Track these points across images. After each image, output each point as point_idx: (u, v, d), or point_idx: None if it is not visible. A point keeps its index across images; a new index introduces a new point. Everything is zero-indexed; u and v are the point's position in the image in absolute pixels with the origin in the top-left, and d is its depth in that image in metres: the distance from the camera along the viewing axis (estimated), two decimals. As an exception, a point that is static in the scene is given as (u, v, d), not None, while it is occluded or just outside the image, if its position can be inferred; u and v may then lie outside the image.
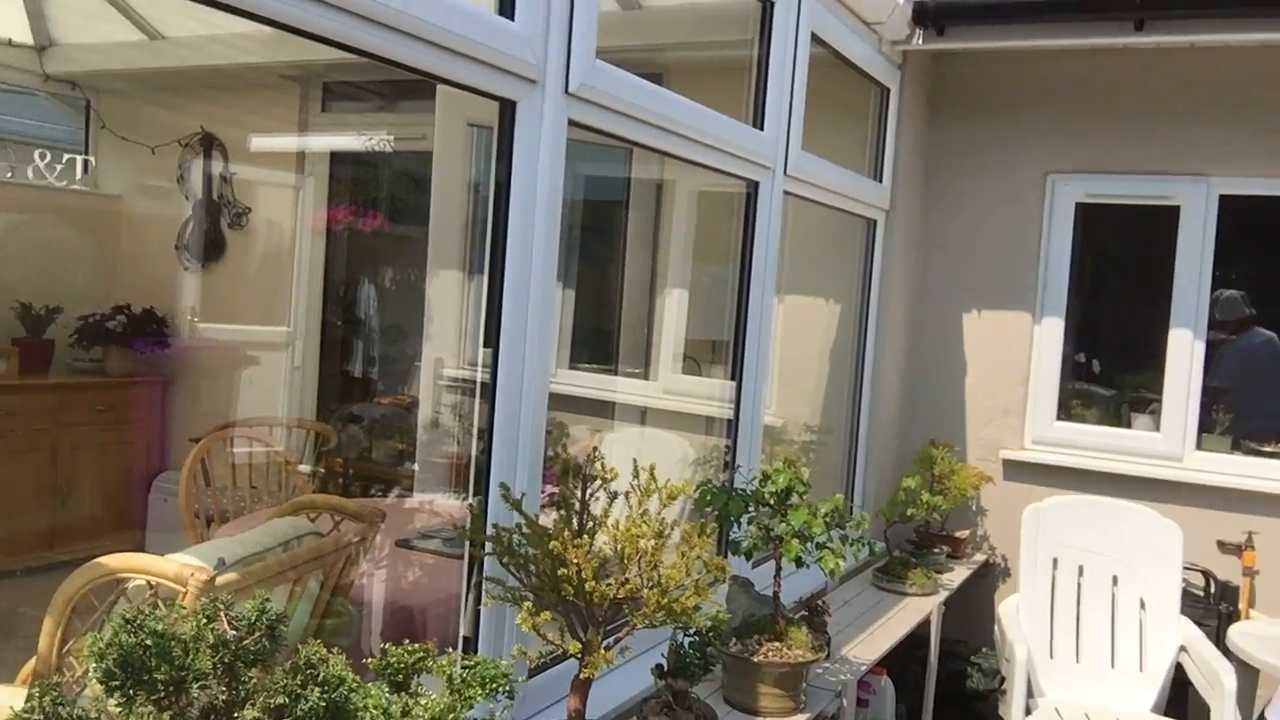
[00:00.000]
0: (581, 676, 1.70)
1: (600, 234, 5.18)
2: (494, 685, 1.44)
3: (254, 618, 1.12)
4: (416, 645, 1.51)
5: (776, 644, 2.42)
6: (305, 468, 4.97)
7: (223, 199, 5.61)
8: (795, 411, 4.26)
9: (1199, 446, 3.98)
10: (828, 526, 2.40)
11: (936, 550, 3.86)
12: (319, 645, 1.11)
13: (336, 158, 5.53)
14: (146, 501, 5.31)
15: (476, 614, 1.99)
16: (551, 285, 2.07)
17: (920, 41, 3.80)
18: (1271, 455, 3.98)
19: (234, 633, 1.10)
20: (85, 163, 5.71)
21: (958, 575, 3.82)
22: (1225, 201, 3.87)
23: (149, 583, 1.81)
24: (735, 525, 2.46)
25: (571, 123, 2.07)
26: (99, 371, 5.39)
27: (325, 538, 2.24)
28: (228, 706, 1.09)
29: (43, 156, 5.48)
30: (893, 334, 4.12)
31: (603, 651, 1.66)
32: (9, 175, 5.32)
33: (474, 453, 2.07)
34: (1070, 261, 4.12)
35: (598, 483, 1.80)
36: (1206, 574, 3.87)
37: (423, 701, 1.38)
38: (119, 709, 1.06)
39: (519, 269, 2.00)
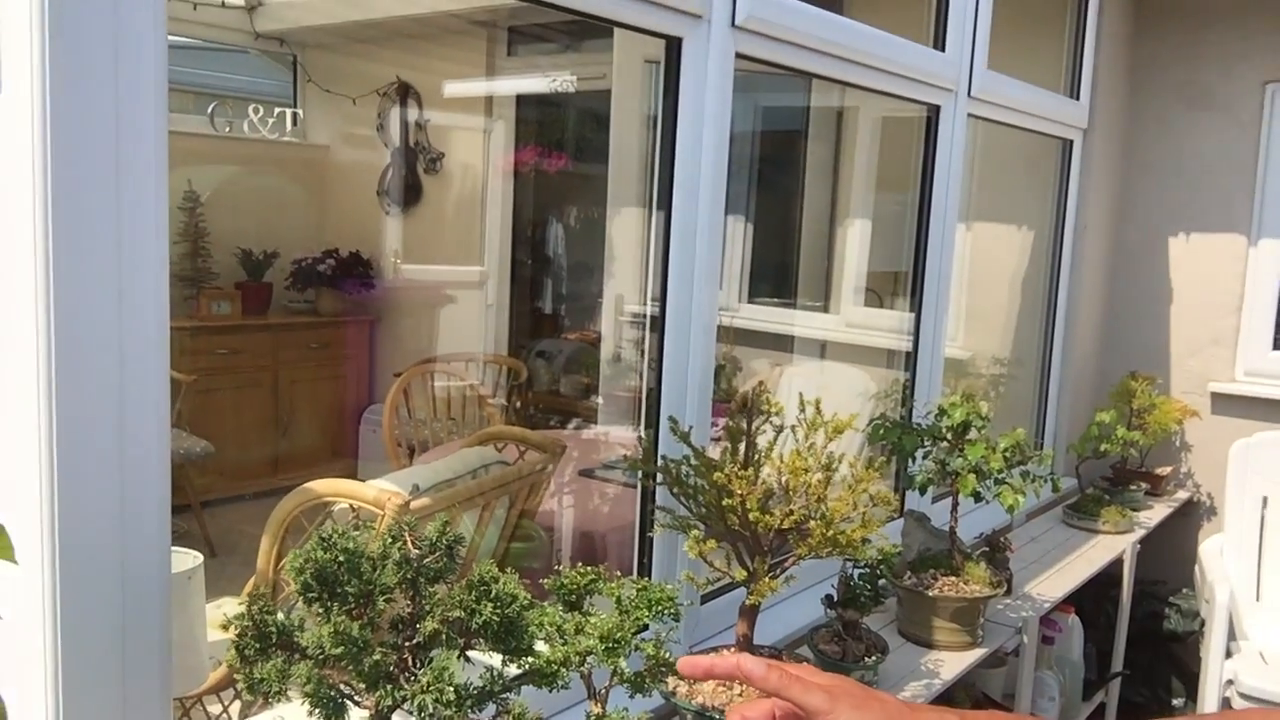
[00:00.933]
0: (748, 603, 1.75)
1: (780, 165, 5.12)
2: (660, 608, 1.51)
3: (435, 538, 1.22)
4: (589, 568, 1.60)
5: (953, 578, 2.40)
6: (499, 401, 5.23)
7: (418, 145, 5.87)
8: (983, 343, 4.13)
9: None
10: (1007, 462, 2.35)
11: (1134, 487, 3.69)
12: (492, 565, 1.20)
13: (523, 100, 5.68)
14: (358, 432, 5.72)
15: (649, 541, 2.07)
16: (719, 222, 2.09)
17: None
18: None
19: (417, 552, 1.20)
20: (294, 115, 6.09)
21: (1156, 513, 3.65)
22: None
23: (351, 506, 1.98)
24: (911, 460, 2.44)
25: (739, 56, 2.06)
26: (312, 312, 5.80)
27: (511, 467, 2.37)
28: (412, 618, 1.20)
29: (256, 111, 5.88)
30: (1090, 260, 3.92)
31: (768, 580, 1.70)
32: (227, 129, 5.75)
33: (643, 384, 2.13)
34: (1292, 179, 3.79)
35: (763, 416, 1.82)
36: None
37: (593, 620, 1.46)
38: (319, 618, 1.18)
39: (686, 205, 2.02)
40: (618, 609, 1.51)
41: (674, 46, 1.99)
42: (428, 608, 1.19)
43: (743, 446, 1.83)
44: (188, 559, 1.75)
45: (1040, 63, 3.75)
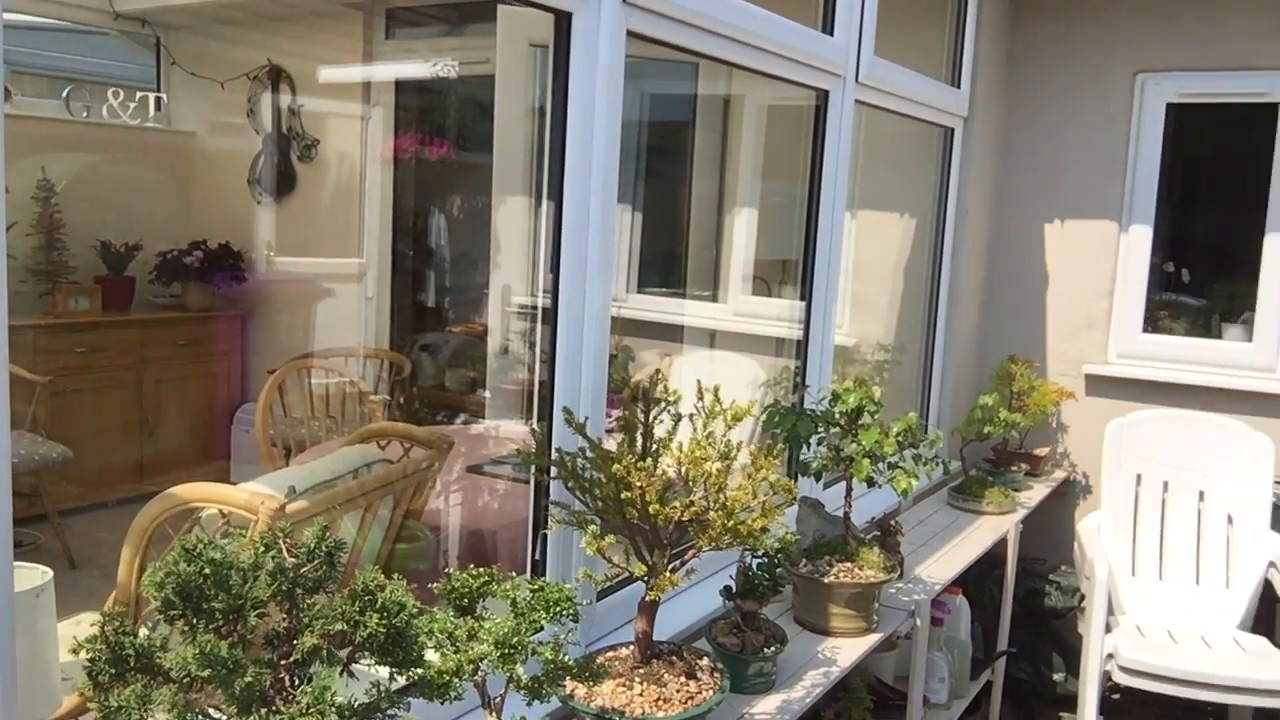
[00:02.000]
0: (648, 599, 1.69)
1: (667, 154, 5.09)
2: (559, 609, 1.43)
3: (313, 545, 1.12)
4: (481, 570, 1.51)
5: (848, 564, 2.39)
6: (381, 397, 5.06)
7: (291, 132, 5.64)
8: (869, 330, 4.17)
9: (1295, 357, 3.81)
10: (900, 446, 2.35)
11: (1015, 468, 3.78)
12: (377, 572, 1.11)
13: (402, 86, 5.50)
14: (230, 433, 5.46)
15: (544, 538, 1.99)
16: (612, 207, 2.02)
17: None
18: (1374, 365, 3.80)
19: (293, 560, 1.10)
20: (158, 100, 5.78)
21: (1036, 493, 3.74)
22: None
23: (221, 512, 1.85)
24: (805, 446, 2.42)
25: (630, 34, 2.00)
26: (179, 307, 5.52)
27: (395, 465, 2.26)
28: (289, 633, 1.10)
29: (116, 95, 5.55)
30: (971, 247, 3.99)
31: (668, 574, 1.64)
32: (85, 115, 5.41)
33: (535, 376, 2.06)
34: (1160, 167, 3.93)
35: (661, 405, 1.77)
36: (1300, 489, 3.73)
37: (487, 625, 1.38)
38: (185, 636, 1.07)
39: (578, 190, 1.95)
40: (513, 612, 1.43)
41: (563, 23, 1.92)
42: (306, 621, 1.09)
43: (640, 437, 1.77)
44: (35, 575, 1.60)
45: (922, 51, 3.79)
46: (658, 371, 1.84)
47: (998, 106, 4.08)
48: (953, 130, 3.81)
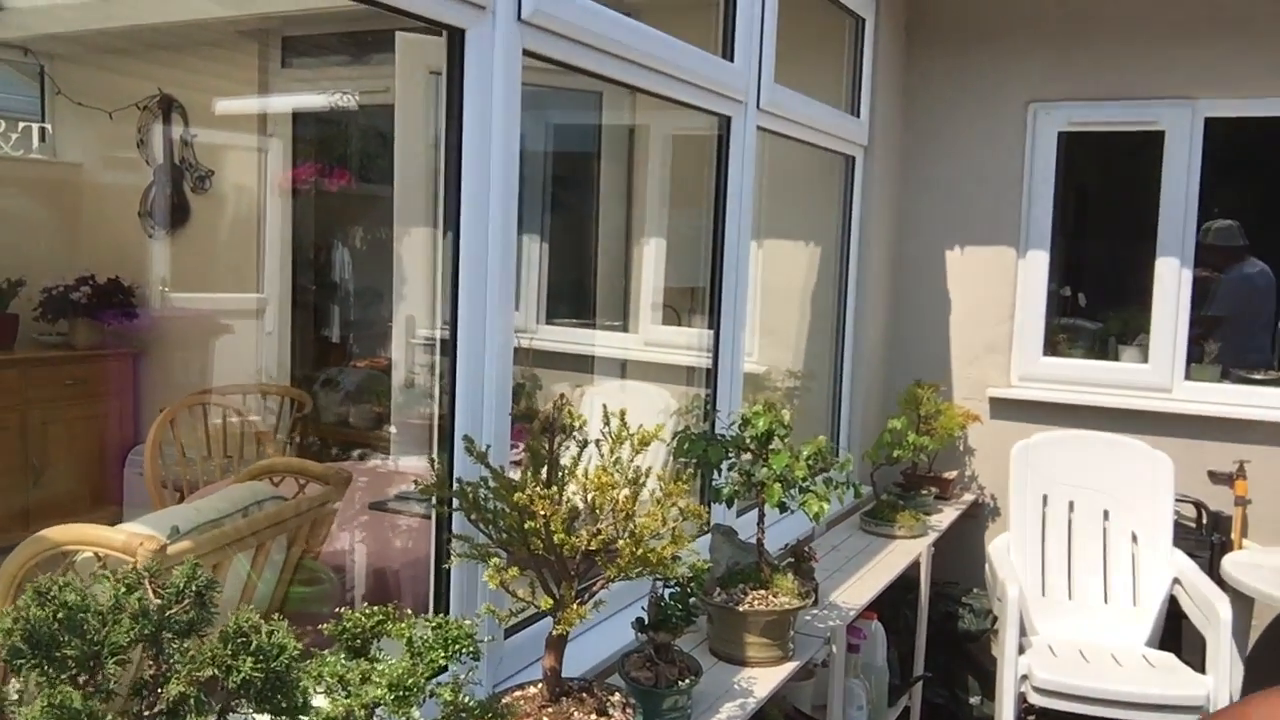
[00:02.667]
0: (555, 633, 1.62)
1: (574, 185, 5.06)
2: (458, 647, 1.36)
3: (181, 584, 1.03)
4: (375, 608, 1.43)
5: (762, 592, 2.35)
6: (283, 435, 4.89)
7: (184, 163, 5.46)
8: (778, 357, 4.17)
9: (1188, 377, 3.92)
10: (811, 470, 2.33)
11: (924, 492, 3.80)
12: (253, 613, 1.02)
13: (300, 116, 5.38)
14: (122, 476, 5.21)
15: (446, 574, 1.91)
16: (512, 234, 1.97)
17: (894, -31, 3.67)
18: (1261, 383, 3.93)
19: (158, 601, 1.01)
20: (42, 130, 5.54)
21: (946, 516, 3.77)
22: (1212, 126, 3.78)
23: (97, 555, 1.72)
24: (716, 472, 2.38)
25: (527, 53, 1.95)
26: (66, 345, 5.27)
27: (288, 502, 2.15)
28: (155, 681, 1.01)
29: (-3, 126, 5.32)
30: (874, 273, 4.03)
31: (576, 607, 1.58)
32: (-38, 146, 5.17)
33: (437, 410, 1.98)
34: (1054, 194, 4.03)
35: (566, 432, 1.71)
36: (1198, 505, 3.83)
37: (380, 667, 1.30)
38: (38, 689, 0.97)
39: (476, 216, 1.89)
40: (409, 652, 1.35)
41: (456, 42, 1.86)
42: (174, 667, 1.00)
43: (545, 464, 1.71)
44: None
45: (821, 83, 3.83)
46: (562, 396, 1.78)
47: (897, 135, 4.15)
48: (854, 159, 3.86)
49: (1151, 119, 3.83)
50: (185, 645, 0.98)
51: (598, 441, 1.73)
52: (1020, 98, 4.02)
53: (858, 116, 3.80)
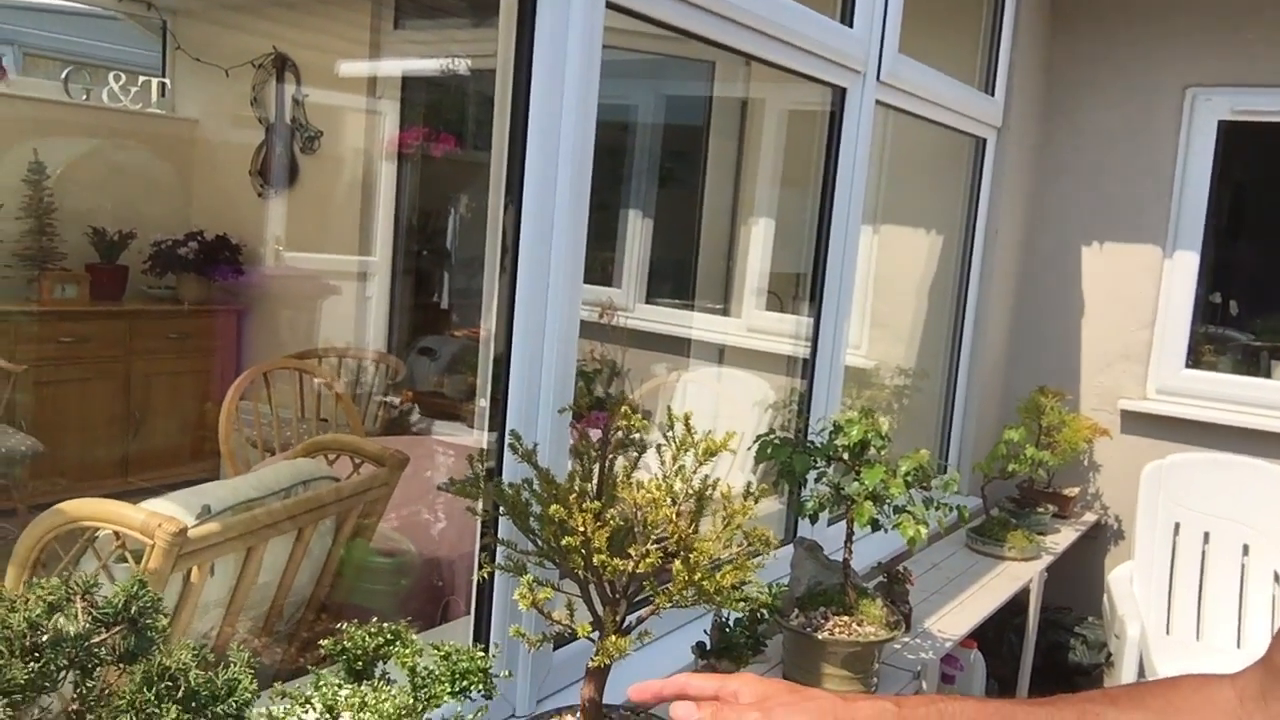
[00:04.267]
0: (593, 664, 1.43)
1: (681, 159, 4.84)
2: (465, 682, 1.17)
3: (119, 604, 0.87)
4: (384, 625, 1.26)
5: (845, 618, 2.11)
6: (378, 398, 4.83)
7: (295, 123, 5.43)
8: (888, 352, 3.89)
9: (1352, 401, 3.49)
10: (908, 487, 2.07)
11: (1041, 509, 3.48)
12: (186, 649, 0.85)
13: (410, 79, 5.29)
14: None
15: (492, 579, 1.73)
16: (583, 208, 1.77)
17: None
18: None
19: (82, 626, 0.85)
20: (161, 85, 5.59)
21: (1064, 538, 3.44)
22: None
23: (116, 533, 1.60)
24: (802, 484, 2.15)
25: (610, 5, 1.74)
26: (173, 299, 5.32)
27: (333, 485, 2.01)
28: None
29: (118, 79, 5.37)
30: (1001, 267, 3.70)
31: (615, 639, 1.38)
32: (84, 98, 5.23)
33: (489, 398, 1.81)
34: (1209, 189, 3.63)
35: (622, 433, 1.51)
36: (1355, 546, 3.41)
37: (369, 700, 1.12)
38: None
39: (541, 187, 1.70)
40: (411, 684, 1.17)
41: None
42: (90, 709, 0.83)
43: (597, 470, 1.51)
44: None
45: (954, 55, 3.51)
46: (624, 394, 1.58)
47: (1034, 118, 3.79)
48: (985, 141, 3.53)
49: (1329, 109, 3.40)
50: (92, 685, 0.81)
51: (659, 447, 1.52)
52: (1177, 82, 3.63)
53: (992, 95, 3.48)
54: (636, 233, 4.65)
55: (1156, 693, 0.93)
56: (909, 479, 2.08)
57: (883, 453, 2.12)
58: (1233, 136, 3.64)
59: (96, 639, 0.85)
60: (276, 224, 5.61)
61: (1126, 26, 3.69)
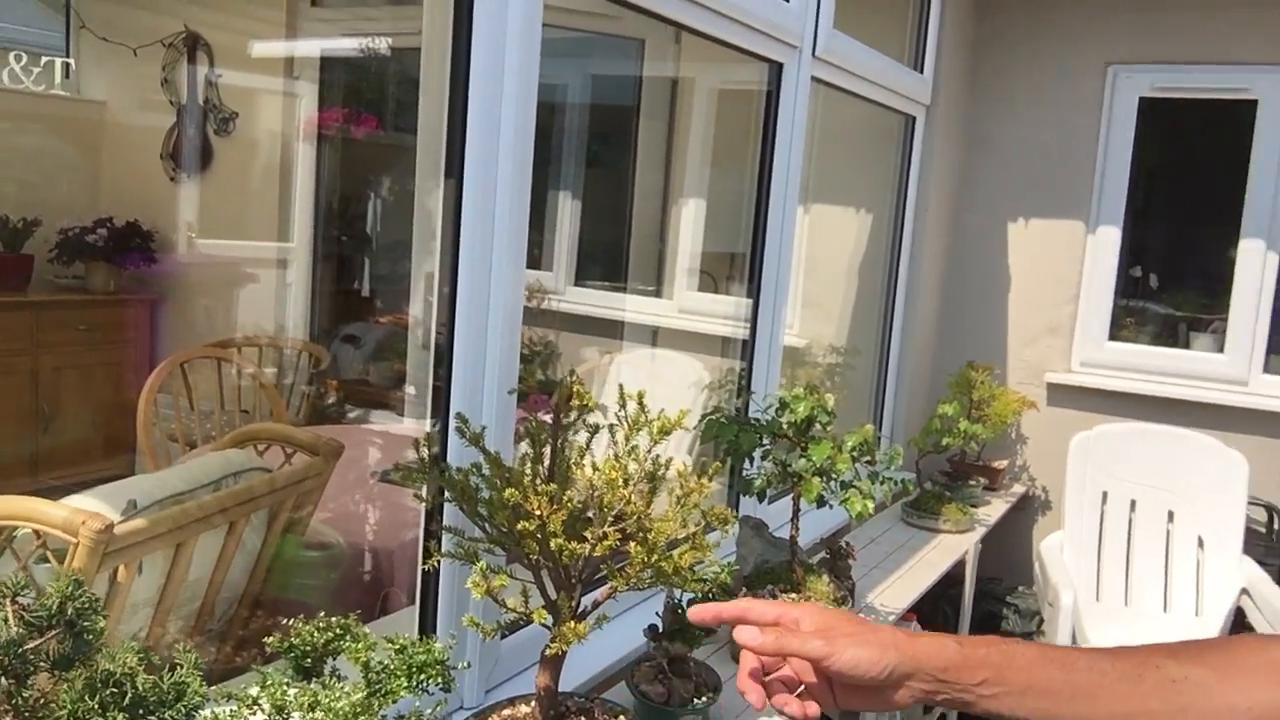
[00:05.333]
0: (549, 653, 1.39)
1: (610, 139, 4.79)
2: (423, 676, 1.12)
3: (54, 606, 0.80)
4: (333, 620, 1.20)
5: (793, 595, 2.11)
6: (300, 389, 4.70)
7: (209, 104, 5.24)
8: (820, 331, 3.90)
9: (1266, 369, 3.60)
10: (855, 462, 2.07)
11: (973, 482, 3.52)
12: (129, 652, 0.79)
13: (329, 58, 5.14)
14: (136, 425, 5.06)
15: (435, 571, 1.68)
16: (525, 185, 1.71)
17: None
18: (1348, 380, 3.61)
19: (16, 631, 0.78)
20: (66, 66, 5.35)
21: (995, 509, 3.49)
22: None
23: (36, 532, 1.51)
24: (748, 461, 2.13)
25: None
26: (82, 289, 5.10)
27: (266, 476, 1.93)
28: (9, 734, 0.78)
29: (19, 59, 5.12)
30: (930, 245, 3.73)
31: (573, 625, 1.34)
32: (-19, 79, 4.98)
33: (431, 379, 1.75)
34: (1131, 165, 3.70)
35: (574, 414, 1.47)
36: (1270, 509, 3.53)
37: (324, 698, 1.07)
38: None
39: (483, 161, 1.64)
40: (365, 680, 1.12)
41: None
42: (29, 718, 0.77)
43: (547, 453, 1.47)
44: None
45: (883, 33, 3.52)
46: (572, 373, 1.54)
47: (962, 96, 3.83)
48: (914, 119, 3.55)
49: (1244, 86, 3.48)
50: (27, 695, 0.75)
51: (611, 427, 1.49)
52: (1099, 59, 3.69)
53: (921, 73, 3.50)
54: (566, 215, 4.59)
55: (1217, 650, 0.93)
56: (855, 454, 2.08)
57: (828, 428, 2.12)
58: (1154, 112, 3.72)
59: (30, 644, 0.79)
60: (190, 209, 5.42)
61: (1050, 5, 3.74)
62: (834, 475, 2.05)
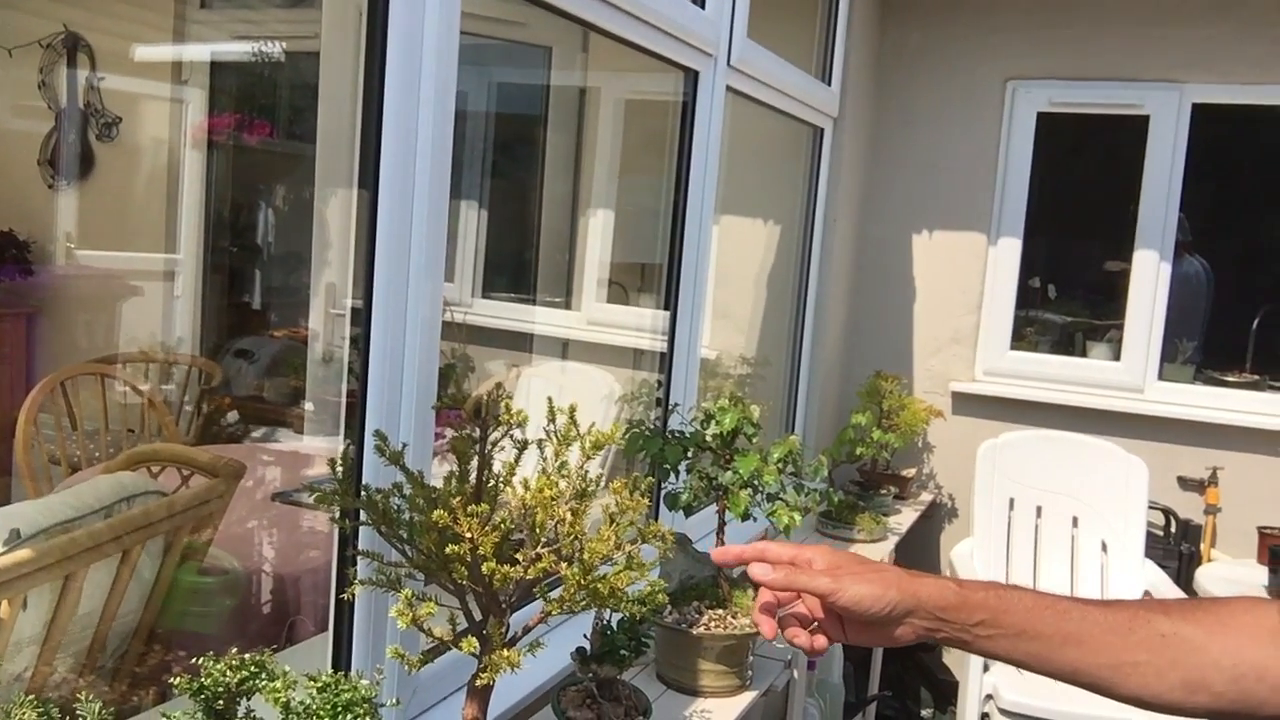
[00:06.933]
0: (479, 684, 1.31)
1: (516, 150, 4.71)
2: (350, 715, 1.04)
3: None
4: (246, 658, 1.10)
5: (719, 612, 2.07)
6: (190, 407, 4.49)
7: (90, 108, 4.99)
8: (731, 342, 3.89)
9: (1161, 377, 3.72)
10: (780, 474, 2.04)
11: (884, 491, 3.55)
12: (30, 705, 0.69)
13: (219, 60, 4.96)
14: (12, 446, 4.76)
15: (351, 598, 1.58)
16: (443, 191, 1.63)
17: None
18: (1235, 385, 3.75)
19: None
20: (-69, 67, 5.03)
21: (906, 518, 3.52)
22: (1199, 112, 3.56)
23: (-96, 568, 1.37)
24: (673, 475, 2.08)
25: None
26: (-51, 303, 4.80)
27: (163, 500, 1.80)
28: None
29: (-122, 59, 4.80)
30: (838, 256, 3.75)
31: (504, 652, 1.27)
32: None
33: (344, 396, 1.65)
34: (1029, 178, 3.79)
35: (501, 430, 1.39)
36: (1167, 512, 3.64)
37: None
38: None
39: (400, 167, 1.56)
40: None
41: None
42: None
43: (474, 471, 1.39)
44: None
45: (791, 44, 3.53)
46: (499, 387, 1.46)
47: (868, 109, 3.87)
48: (822, 130, 3.57)
49: (1136, 102, 3.60)
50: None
51: (540, 442, 1.42)
52: (999, 74, 3.77)
53: (829, 85, 3.52)
54: (471, 225, 4.49)
55: (1207, 609, 0.97)
56: (780, 465, 2.05)
57: (754, 440, 2.09)
58: (1052, 127, 3.81)
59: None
60: (69, 218, 5.15)
61: (951, 21, 3.81)
62: (760, 488, 2.01)
